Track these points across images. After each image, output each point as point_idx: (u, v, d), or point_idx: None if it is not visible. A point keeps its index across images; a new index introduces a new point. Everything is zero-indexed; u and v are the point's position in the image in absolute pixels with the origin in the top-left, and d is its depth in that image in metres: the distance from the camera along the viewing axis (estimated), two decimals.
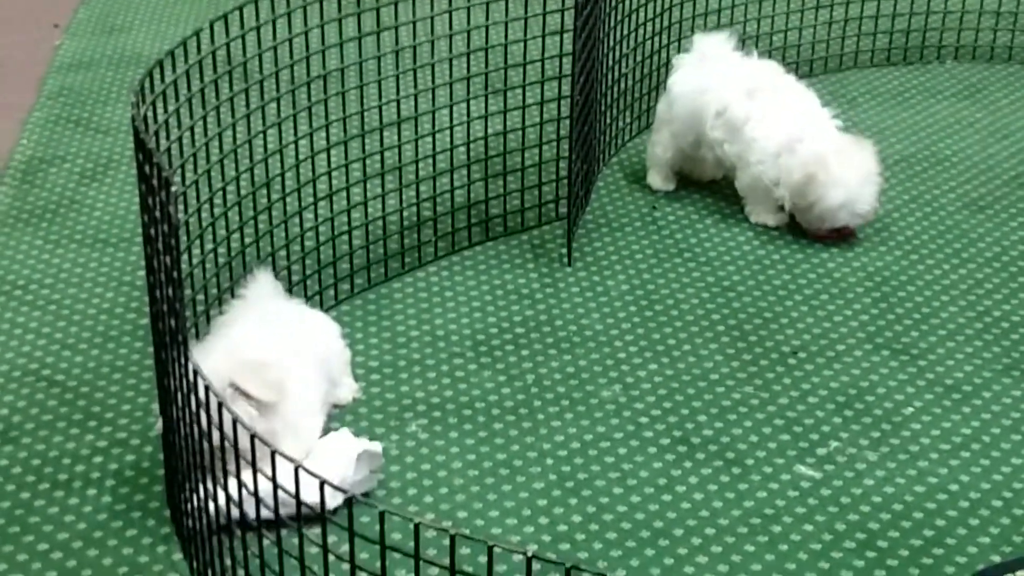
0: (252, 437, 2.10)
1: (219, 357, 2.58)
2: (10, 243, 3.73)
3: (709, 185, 3.99)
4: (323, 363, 2.92)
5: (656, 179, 3.98)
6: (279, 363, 2.69)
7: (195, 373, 2.21)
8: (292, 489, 2.04)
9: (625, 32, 4.11)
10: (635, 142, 4.26)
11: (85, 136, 4.35)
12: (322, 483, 1.96)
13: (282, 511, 2.14)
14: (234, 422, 2.15)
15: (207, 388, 2.19)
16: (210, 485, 2.35)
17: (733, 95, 3.77)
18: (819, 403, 3.05)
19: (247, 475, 2.20)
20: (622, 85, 4.16)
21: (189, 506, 2.45)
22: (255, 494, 2.17)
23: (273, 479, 2.11)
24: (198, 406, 2.25)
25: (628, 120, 4.25)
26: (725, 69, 3.84)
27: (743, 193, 3.82)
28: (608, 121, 4.10)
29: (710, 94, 3.81)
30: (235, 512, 2.29)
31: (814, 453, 2.89)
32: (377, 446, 2.72)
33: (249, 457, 2.13)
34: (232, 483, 2.30)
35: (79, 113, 4.51)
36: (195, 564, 2.49)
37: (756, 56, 3.92)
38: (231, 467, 2.32)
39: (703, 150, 3.87)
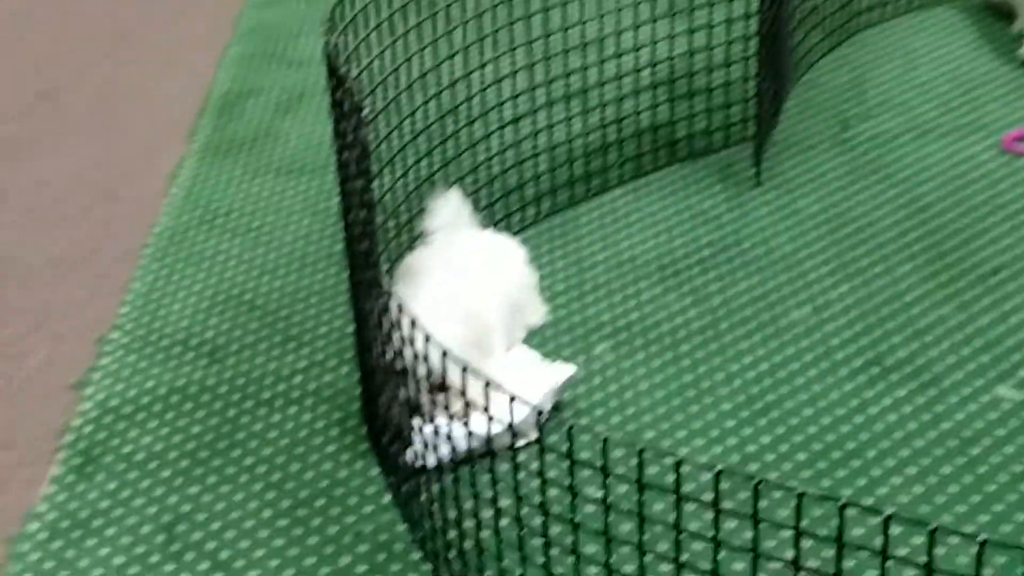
0: (465, 369, 2.14)
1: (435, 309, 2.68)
2: (212, 173, 3.89)
3: (898, 104, 3.85)
4: (514, 301, 2.98)
5: None
6: (485, 322, 2.78)
7: (388, 296, 2.27)
8: (493, 412, 2.09)
9: None
10: (825, 60, 4.14)
11: (279, 69, 4.47)
12: (511, 398, 1.99)
13: (477, 436, 2.19)
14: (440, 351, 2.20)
15: (400, 308, 2.24)
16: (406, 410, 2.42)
17: None
18: (1021, 324, 2.94)
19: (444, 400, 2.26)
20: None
21: (385, 426, 2.53)
22: (466, 420, 2.23)
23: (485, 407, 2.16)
24: (391, 328, 2.31)
25: (819, 38, 4.13)
26: None
27: None
28: (798, 39, 3.99)
29: None
30: (442, 447, 2.35)
31: (1015, 374, 2.79)
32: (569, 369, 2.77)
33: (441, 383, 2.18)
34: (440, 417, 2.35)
35: (273, 47, 4.64)
36: (393, 480, 2.58)
37: None
38: (430, 395, 2.39)
39: None
